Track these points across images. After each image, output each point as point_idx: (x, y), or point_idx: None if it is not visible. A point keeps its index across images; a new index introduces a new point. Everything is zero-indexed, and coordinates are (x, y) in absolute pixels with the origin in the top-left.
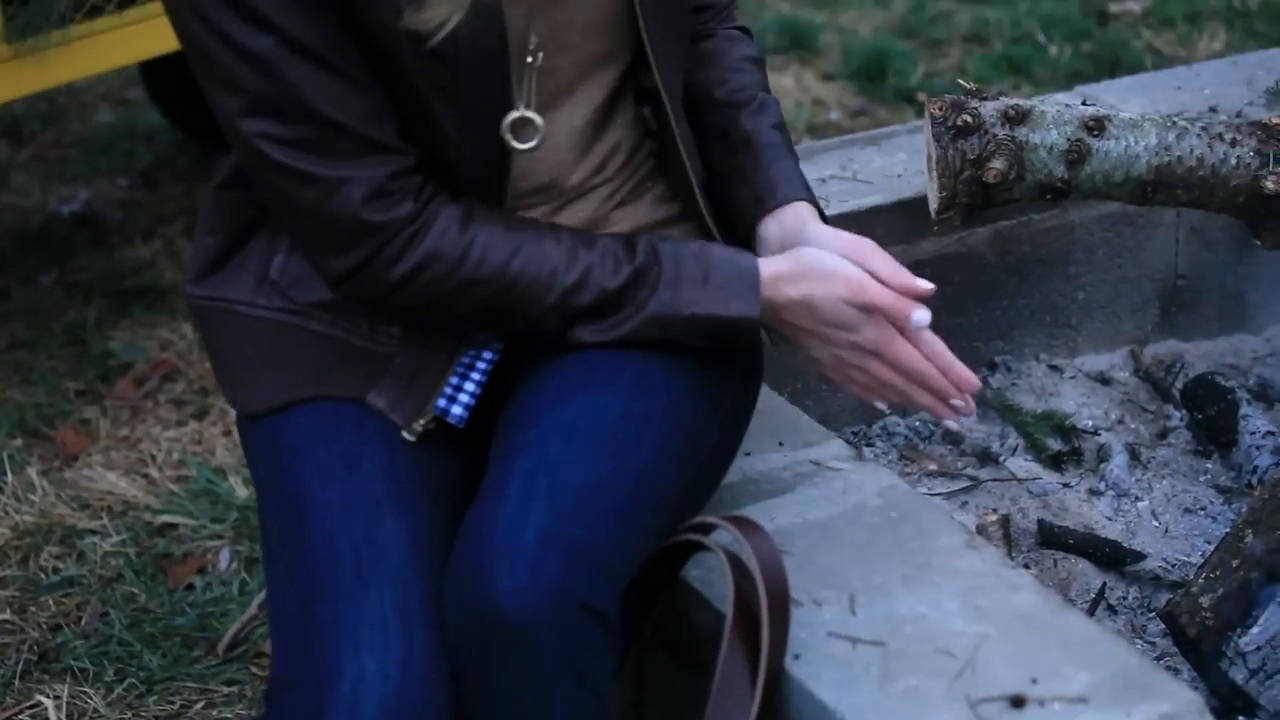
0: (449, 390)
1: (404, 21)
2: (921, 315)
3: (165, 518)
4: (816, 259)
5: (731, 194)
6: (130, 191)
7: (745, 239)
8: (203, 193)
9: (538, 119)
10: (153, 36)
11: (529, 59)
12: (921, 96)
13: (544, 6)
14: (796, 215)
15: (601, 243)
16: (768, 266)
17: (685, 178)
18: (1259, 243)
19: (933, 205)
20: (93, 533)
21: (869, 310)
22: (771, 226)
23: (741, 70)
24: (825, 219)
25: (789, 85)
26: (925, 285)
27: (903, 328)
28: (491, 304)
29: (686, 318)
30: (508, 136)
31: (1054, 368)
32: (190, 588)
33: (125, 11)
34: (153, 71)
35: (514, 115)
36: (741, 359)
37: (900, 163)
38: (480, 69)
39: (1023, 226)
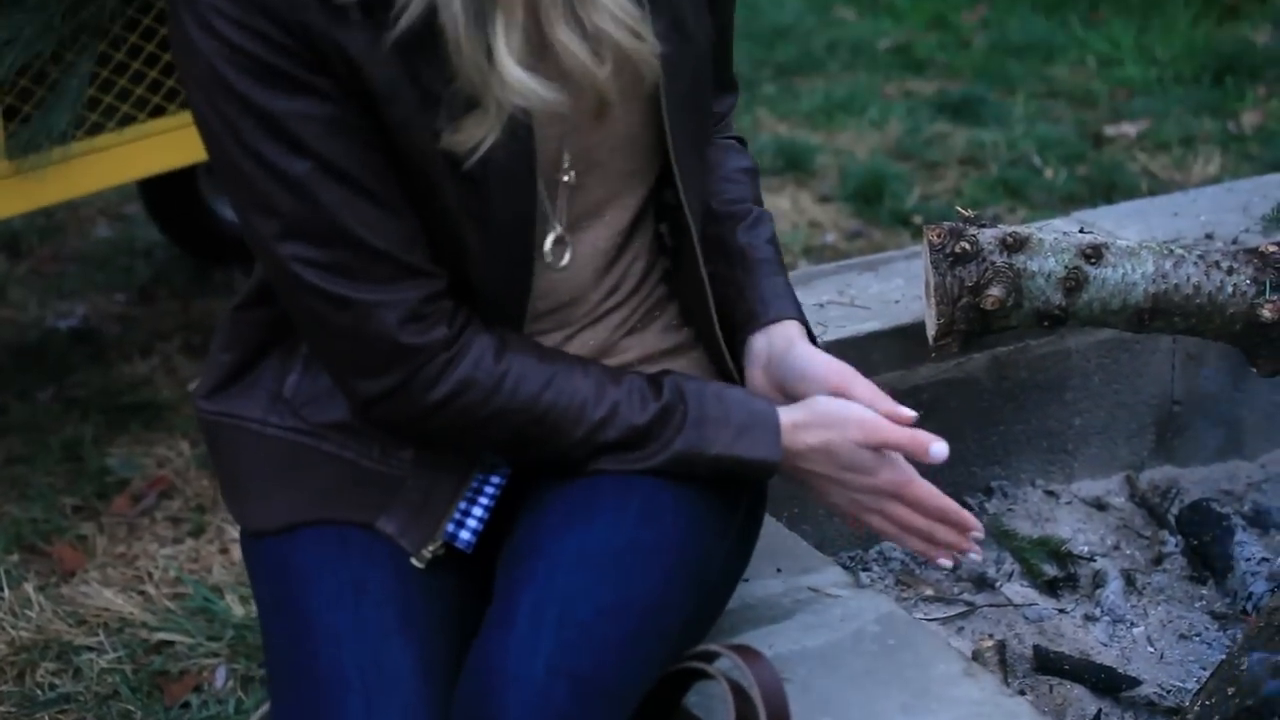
0: (457, 515)
1: (441, 144)
2: (940, 448)
3: (161, 635)
4: (830, 406)
5: (725, 305)
6: (128, 307)
7: (733, 349)
8: (219, 313)
9: (569, 237)
10: (153, 154)
11: (564, 178)
12: (917, 219)
13: (576, 126)
14: (785, 334)
15: (628, 380)
16: (785, 415)
17: (703, 295)
18: (1255, 370)
19: (931, 332)
20: (89, 649)
21: (885, 451)
22: (760, 341)
23: (737, 182)
24: (814, 338)
25: (785, 207)
26: (907, 413)
27: (922, 462)
28: (521, 434)
29: (711, 458)
30: (546, 255)
31: (1050, 493)
32: (186, 705)
33: (126, 129)
34: (151, 188)
35: (552, 235)
36: (748, 486)
37: (898, 288)
38: (511, 189)
39: (1020, 352)
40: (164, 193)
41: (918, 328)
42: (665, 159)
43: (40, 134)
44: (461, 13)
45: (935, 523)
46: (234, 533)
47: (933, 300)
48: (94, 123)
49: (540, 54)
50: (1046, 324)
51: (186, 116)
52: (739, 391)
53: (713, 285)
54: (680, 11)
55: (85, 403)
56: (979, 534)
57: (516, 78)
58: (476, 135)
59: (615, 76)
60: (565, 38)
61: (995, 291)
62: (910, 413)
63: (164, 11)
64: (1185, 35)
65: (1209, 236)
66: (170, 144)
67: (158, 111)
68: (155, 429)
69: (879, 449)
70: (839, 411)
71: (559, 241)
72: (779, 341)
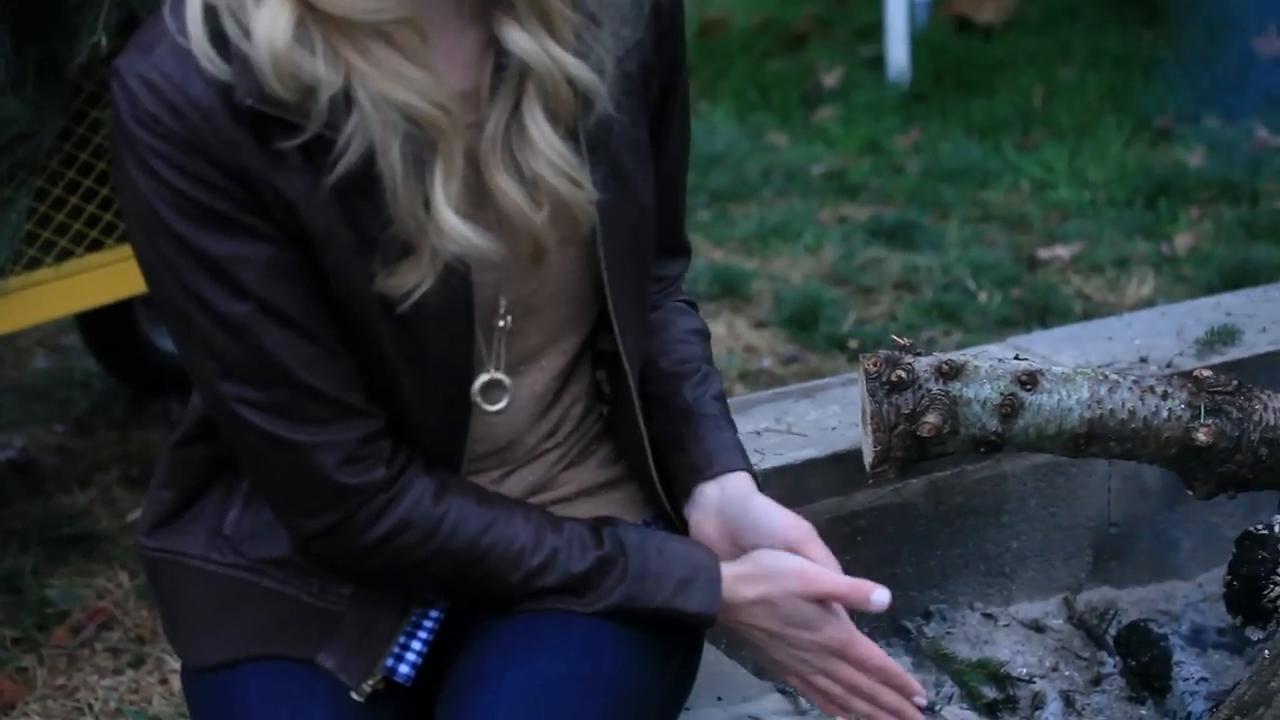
0: (396, 649)
1: (375, 287)
2: (882, 595)
3: None
4: (771, 558)
5: (667, 460)
6: (66, 438)
7: (677, 501)
8: (158, 445)
9: (507, 381)
10: (91, 288)
11: (500, 324)
12: (853, 344)
13: (513, 272)
14: (739, 485)
15: (568, 527)
16: (727, 568)
17: (639, 441)
18: (1191, 494)
19: (868, 459)
20: None
21: (826, 603)
22: (712, 490)
23: (687, 342)
24: (758, 481)
25: (721, 332)
26: (881, 594)
27: (863, 611)
28: (459, 576)
29: (651, 610)
30: (478, 399)
31: (988, 616)
32: None
33: (63, 264)
34: (88, 319)
35: (485, 378)
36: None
37: (834, 415)
38: (446, 334)
39: (956, 477)
40: (101, 324)
41: (855, 454)
42: (603, 306)
43: None
44: (400, 161)
45: (879, 685)
46: (174, 664)
47: (869, 428)
48: (31, 258)
49: (478, 201)
50: (983, 450)
51: (124, 250)
52: (680, 543)
53: (658, 443)
54: (621, 161)
55: (24, 534)
56: (921, 700)
57: (453, 226)
58: (411, 280)
59: (552, 223)
60: (503, 183)
61: (932, 419)
62: (884, 593)
63: (101, 147)
64: (1118, 158)
65: (1143, 360)
66: (108, 278)
67: (95, 246)
68: (95, 560)
69: (822, 603)
70: (779, 564)
71: (495, 385)
72: (733, 492)
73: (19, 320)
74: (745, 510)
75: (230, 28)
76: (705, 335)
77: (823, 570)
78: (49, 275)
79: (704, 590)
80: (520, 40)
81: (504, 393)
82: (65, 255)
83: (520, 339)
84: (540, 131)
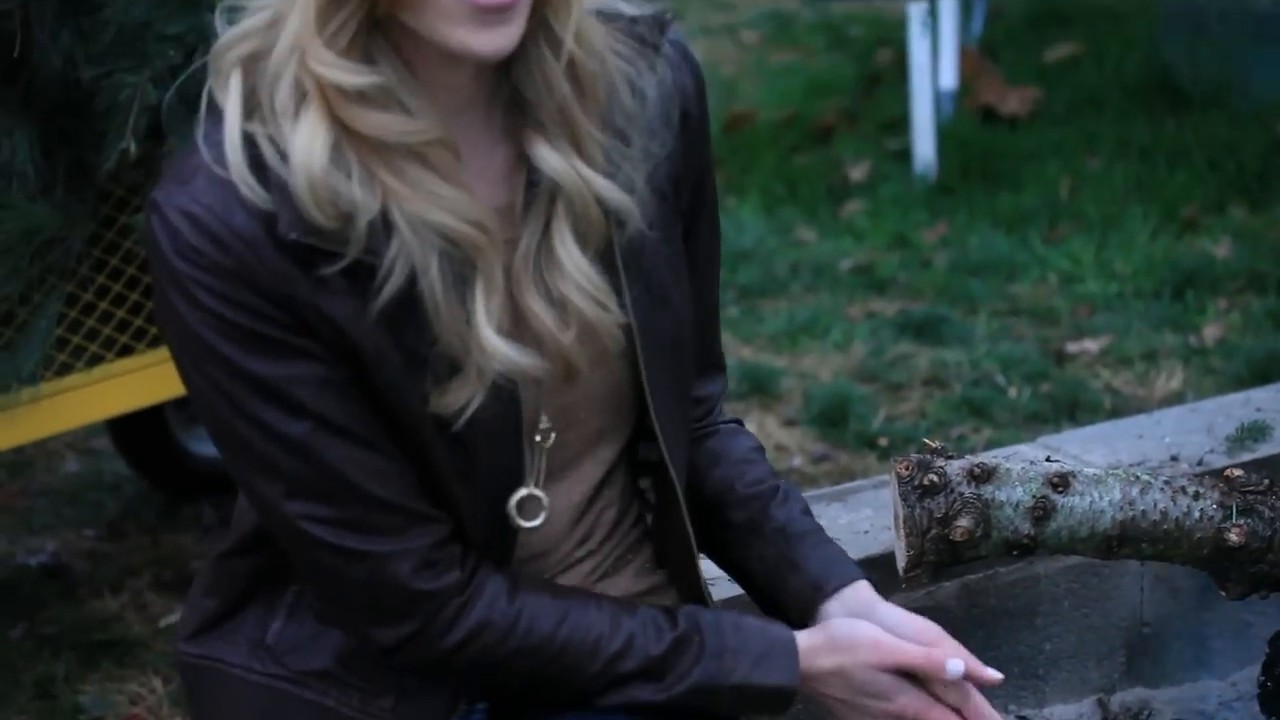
0: None
1: (430, 406)
2: (956, 664)
3: None
4: (847, 628)
5: (783, 584)
6: (97, 543)
7: (800, 625)
8: (190, 549)
9: (543, 497)
10: (122, 393)
11: (538, 437)
12: (883, 442)
13: (553, 387)
14: (859, 595)
15: (642, 611)
16: (802, 639)
17: (687, 548)
18: (1224, 594)
19: (900, 563)
20: None
21: (902, 674)
22: (834, 608)
23: (754, 463)
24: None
25: (751, 429)
26: (994, 675)
27: (940, 681)
28: (540, 671)
29: (731, 687)
30: (514, 514)
31: (1023, 718)
32: None
33: (94, 369)
34: (119, 423)
35: (522, 493)
36: None
37: (866, 518)
38: (497, 449)
39: (989, 580)
40: (132, 428)
41: (887, 558)
42: (641, 415)
43: (9, 375)
44: (440, 281)
45: None
46: None
47: (902, 532)
48: (62, 363)
49: (516, 320)
50: (1016, 553)
51: (155, 355)
52: (753, 619)
53: (756, 569)
54: (656, 277)
55: (57, 639)
56: None
57: (495, 345)
58: (462, 398)
59: (581, 344)
60: (534, 304)
61: (964, 523)
62: (997, 675)
63: (131, 252)
64: (1145, 250)
65: (1174, 459)
66: (139, 382)
67: (126, 350)
68: (127, 665)
69: (898, 672)
70: (854, 634)
71: (532, 500)
72: (858, 604)
73: (51, 426)
74: (873, 619)
75: (268, 153)
76: (762, 450)
77: (897, 641)
78: (80, 381)
79: (783, 663)
80: (550, 159)
81: (540, 507)
82: (96, 360)
83: (559, 451)
84: (568, 253)
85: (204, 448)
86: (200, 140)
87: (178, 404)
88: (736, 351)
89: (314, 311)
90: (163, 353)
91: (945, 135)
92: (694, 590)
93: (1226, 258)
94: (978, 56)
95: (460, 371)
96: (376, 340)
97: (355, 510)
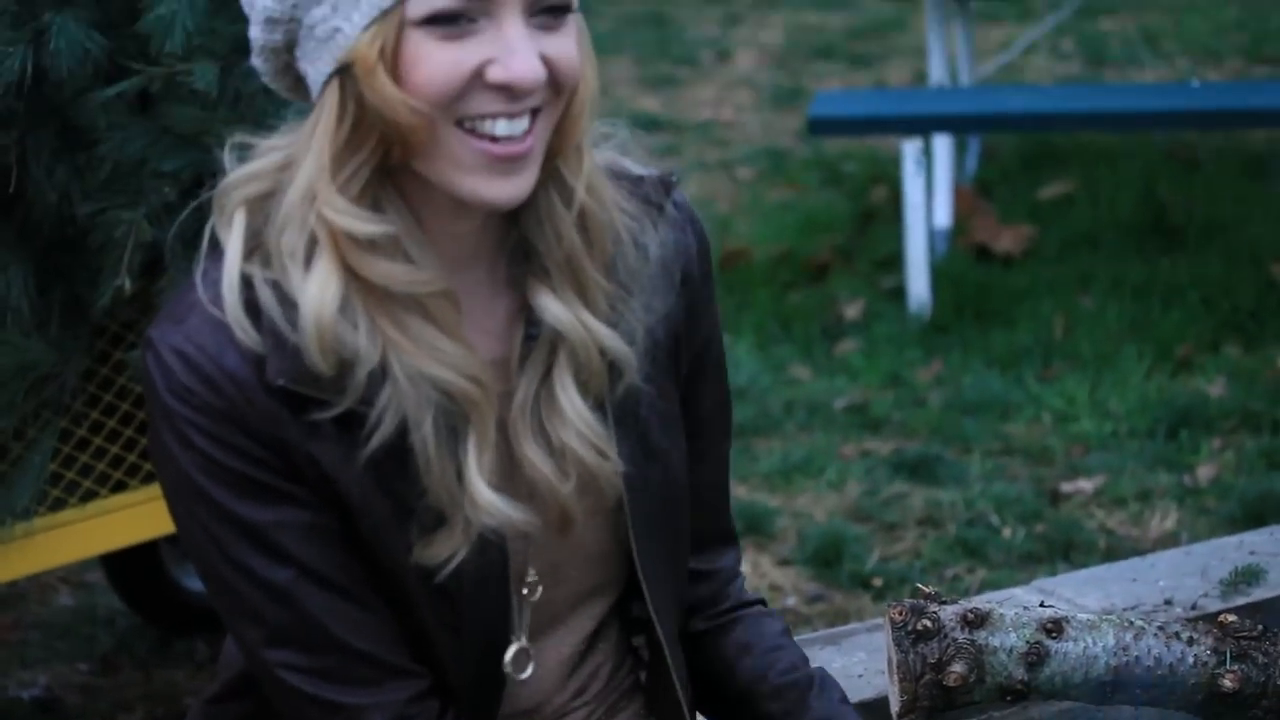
0: None
1: (414, 557)
2: None
3: None
4: None
5: None
6: (90, 676)
7: None
8: (181, 684)
9: (531, 649)
10: (116, 529)
11: (524, 591)
12: (877, 581)
13: (543, 540)
14: None
15: None
16: None
17: (678, 709)
18: None
19: (894, 708)
20: None
21: None
22: None
23: (784, 648)
24: None
25: (745, 570)
26: None
27: None
28: None
29: None
30: (508, 669)
31: None
32: None
33: (88, 504)
34: (113, 558)
35: (515, 646)
36: None
37: (860, 662)
38: (482, 602)
39: None
40: (126, 563)
41: (881, 703)
42: (632, 573)
43: (2, 511)
44: (433, 434)
45: None
46: None
47: (896, 677)
48: (56, 498)
49: (508, 471)
50: (1009, 698)
51: (149, 491)
52: None
53: None
54: (650, 433)
55: None
56: None
57: (488, 500)
58: (447, 550)
59: (579, 494)
60: (531, 453)
61: (958, 669)
62: None
63: (125, 389)
64: (1139, 389)
65: (1168, 603)
66: (133, 519)
67: (120, 486)
68: None
69: None
70: None
71: (522, 653)
72: None
73: (44, 561)
74: None
75: (265, 297)
76: (789, 630)
77: None
78: (74, 516)
79: None
80: (553, 308)
81: (528, 661)
82: (90, 496)
83: (547, 606)
84: (570, 401)
85: (198, 583)
86: (198, 278)
87: (172, 539)
88: (732, 490)
89: (303, 456)
90: (156, 489)
91: (939, 273)
92: None
93: (1221, 397)
94: (972, 195)
95: (446, 524)
96: (363, 488)
97: (332, 660)
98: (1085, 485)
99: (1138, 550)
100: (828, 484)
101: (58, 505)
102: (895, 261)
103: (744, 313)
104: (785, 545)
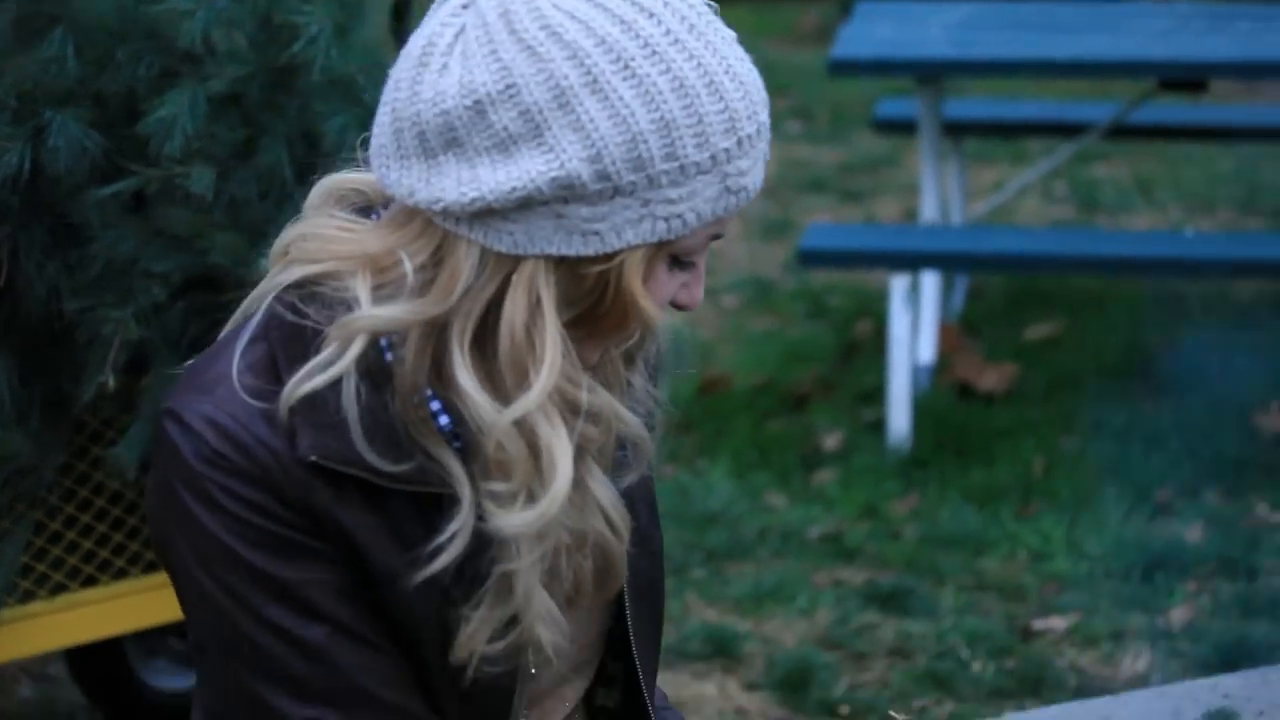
0: None
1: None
2: None
3: None
4: None
5: None
6: None
7: None
8: None
9: None
10: (84, 623)
11: (533, 670)
12: (844, 710)
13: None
14: None
15: None
16: None
17: None
18: None
19: None
20: None
21: None
22: None
23: None
24: None
25: (712, 693)
26: None
27: None
28: None
29: None
30: None
31: None
32: None
33: (57, 597)
34: (77, 653)
35: None
36: None
37: None
38: (494, 676)
39: None
40: (90, 658)
41: None
42: (601, 663)
43: None
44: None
45: None
46: None
47: None
48: (25, 590)
49: None
50: None
51: (118, 587)
52: None
53: None
54: (642, 517)
55: None
56: None
57: (546, 608)
58: (484, 636)
59: (597, 575)
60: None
61: None
62: None
63: (100, 484)
64: (1116, 531)
65: None
66: (101, 613)
67: (90, 581)
68: None
69: None
70: None
71: None
72: None
73: (9, 652)
74: None
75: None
76: None
77: None
78: (42, 609)
79: None
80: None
81: None
82: (60, 589)
83: (532, 684)
84: (597, 481)
85: (161, 681)
86: (236, 355)
87: (138, 636)
88: (701, 613)
89: (330, 519)
90: (125, 585)
91: (921, 408)
92: None
93: (1197, 543)
94: (957, 333)
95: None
96: (388, 559)
97: (365, 715)
98: (1058, 623)
99: (1108, 689)
100: (799, 611)
101: (27, 597)
102: (876, 395)
103: (722, 439)
104: (753, 670)
